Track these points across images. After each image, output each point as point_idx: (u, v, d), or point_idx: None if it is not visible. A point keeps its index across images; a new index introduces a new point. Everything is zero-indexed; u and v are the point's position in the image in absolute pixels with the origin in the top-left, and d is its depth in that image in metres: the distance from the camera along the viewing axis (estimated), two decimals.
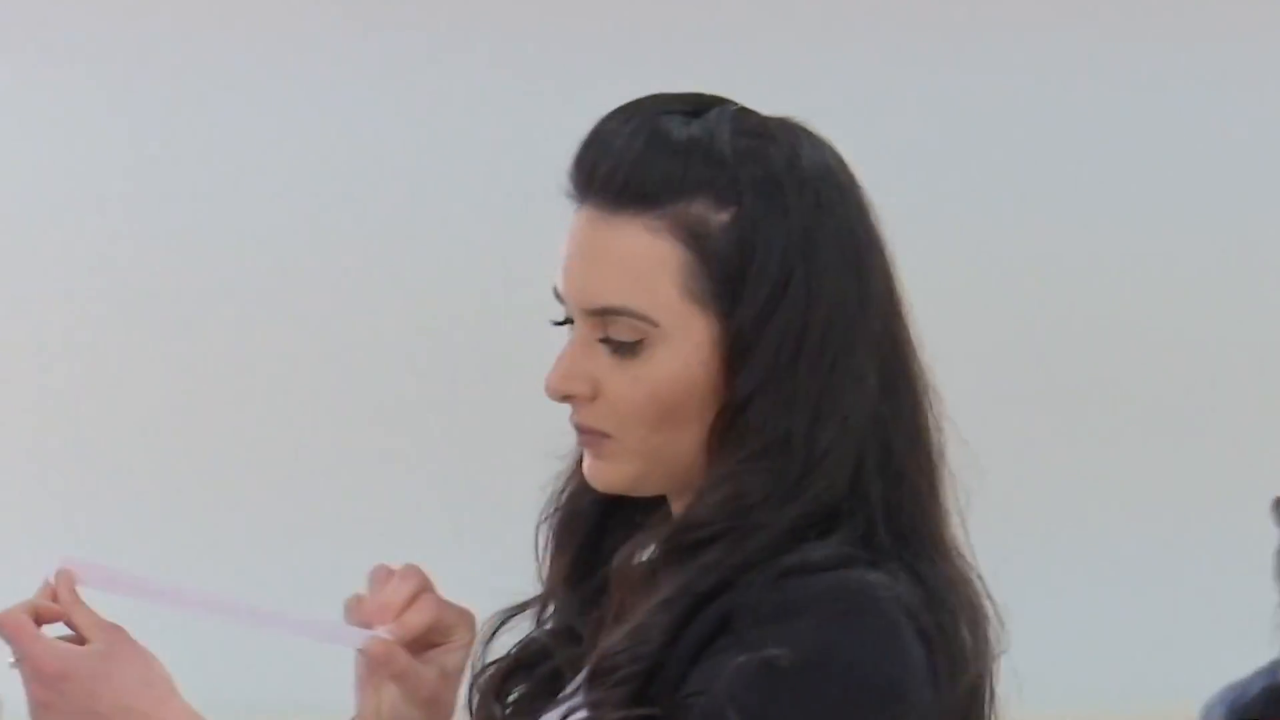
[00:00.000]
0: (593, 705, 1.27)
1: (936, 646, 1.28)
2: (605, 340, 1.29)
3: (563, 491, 1.41)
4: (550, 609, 1.41)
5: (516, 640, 1.42)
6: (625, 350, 1.29)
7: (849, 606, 1.26)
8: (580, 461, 1.37)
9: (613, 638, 1.29)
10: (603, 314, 1.29)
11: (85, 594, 1.38)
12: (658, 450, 1.30)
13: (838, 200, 1.30)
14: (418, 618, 1.35)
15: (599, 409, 1.30)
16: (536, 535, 1.42)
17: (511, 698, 1.40)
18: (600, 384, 1.30)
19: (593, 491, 1.37)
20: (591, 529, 1.40)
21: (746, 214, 1.27)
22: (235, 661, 3.36)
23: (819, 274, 1.28)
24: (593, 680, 1.28)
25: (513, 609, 1.42)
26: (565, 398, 1.31)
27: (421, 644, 1.35)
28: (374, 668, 1.35)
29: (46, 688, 1.30)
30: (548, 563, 1.41)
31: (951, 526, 1.35)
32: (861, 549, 1.28)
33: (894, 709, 1.25)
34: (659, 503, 1.37)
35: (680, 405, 1.29)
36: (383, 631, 1.34)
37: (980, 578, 1.36)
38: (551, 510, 1.41)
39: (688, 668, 1.25)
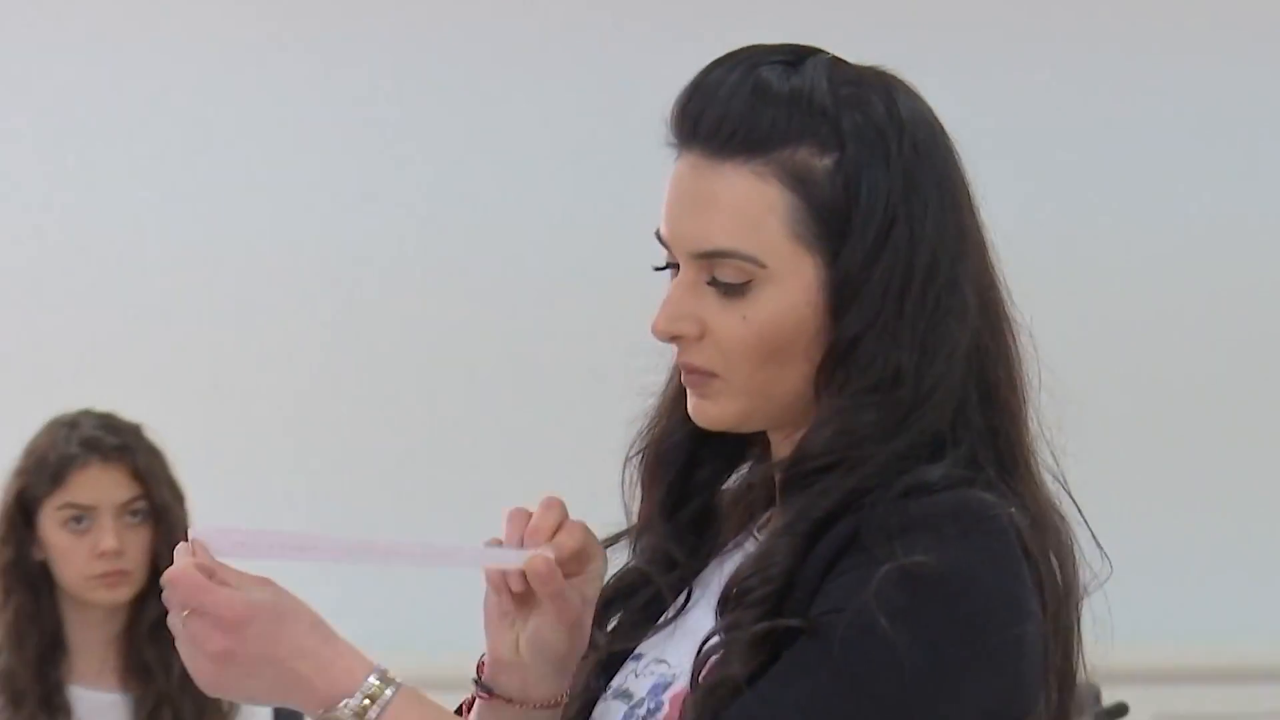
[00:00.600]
0: (728, 628, 1.31)
1: (1043, 575, 1.33)
2: (713, 282, 1.33)
3: (654, 427, 1.45)
4: (644, 539, 1.45)
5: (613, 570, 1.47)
6: (733, 291, 1.32)
7: (972, 524, 1.29)
8: (669, 399, 1.42)
9: (739, 565, 1.34)
10: (711, 257, 1.32)
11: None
12: (764, 388, 1.34)
13: (933, 145, 1.34)
14: (570, 539, 1.39)
15: (706, 349, 1.34)
16: (624, 471, 1.46)
17: (611, 625, 1.45)
18: (707, 324, 1.33)
19: (685, 426, 1.41)
20: (685, 462, 1.43)
21: (850, 159, 1.31)
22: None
23: (921, 215, 1.32)
24: (725, 604, 1.32)
25: (606, 540, 1.46)
26: (673, 338, 1.35)
27: (565, 571, 1.40)
28: (535, 586, 1.38)
29: (229, 635, 1.31)
30: (639, 496, 1.45)
31: (1044, 456, 1.39)
32: (969, 469, 1.32)
33: (1023, 624, 1.29)
34: (753, 434, 1.41)
35: (787, 344, 1.32)
36: (543, 550, 1.38)
37: (1079, 511, 1.40)
38: (642, 446, 1.45)
39: (816, 586, 1.29)
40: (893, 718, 1.27)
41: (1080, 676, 1.45)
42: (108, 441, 2.97)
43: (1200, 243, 4.67)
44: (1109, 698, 3.35)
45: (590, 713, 1.43)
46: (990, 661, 1.29)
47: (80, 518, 2.91)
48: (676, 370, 1.39)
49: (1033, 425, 1.39)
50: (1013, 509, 1.31)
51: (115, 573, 2.83)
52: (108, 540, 2.88)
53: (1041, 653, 1.32)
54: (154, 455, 3.00)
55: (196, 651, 1.31)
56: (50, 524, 2.93)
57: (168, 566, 1.40)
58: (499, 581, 1.40)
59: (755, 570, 1.32)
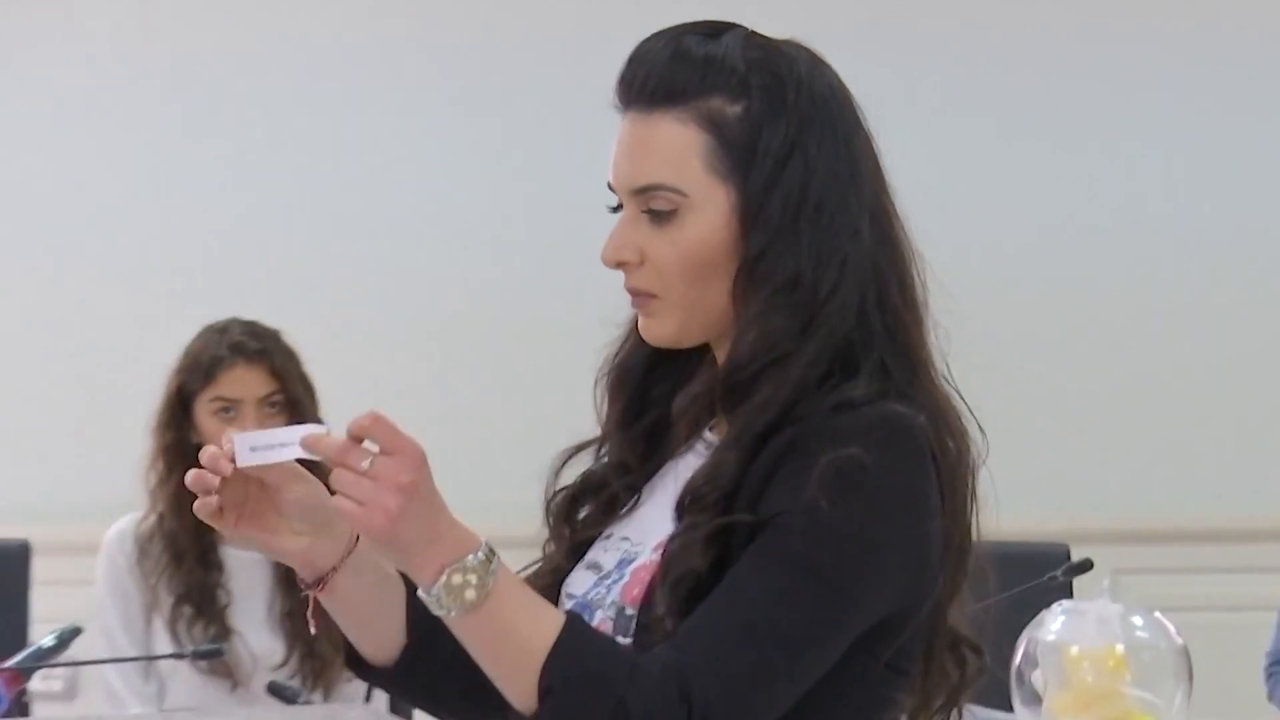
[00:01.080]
0: (687, 528, 1.41)
1: (941, 465, 1.45)
2: (648, 212, 1.45)
3: (617, 354, 1.56)
4: (605, 448, 1.56)
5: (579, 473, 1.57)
6: (663, 219, 1.44)
7: (891, 433, 1.41)
8: (630, 330, 1.53)
9: (694, 474, 1.45)
10: (645, 191, 1.45)
11: None
12: (695, 303, 1.46)
13: (829, 96, 1.48)
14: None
15: (646, 272, 1.46)
16: (595, 390, 1.57)
17: (580, 516, 1.56)
18: (645, 251, 1.45)
19: (642, 350, 1.52)
20: (640, 380, 1.54)
21: (755, 106, 1.44)
22: None
23: (815, 151, 1.45)
24: (682, 508, 1.43)
25: (575, 447, 1.57)
26: (619, 265, 1.47)
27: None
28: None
29: (417, 470, 1.34)
30: (604, 410, 1.56)
31: (936, 360, 1.51)
32: (883, 382, 1.44)
33: (928, 518, 1.43)
34: (700, 356, 1.51)
35: (709, 262, 1.44)
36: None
37: (963, 401, 1.52)
38: (607, 369, 1.56)
39: (761, 489, 1.40)
40: (832, 590, 1.38)
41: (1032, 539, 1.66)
42: (251, 345, 3.17)
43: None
44: (1076, 555, 3.42)
45: (559, 587, 1.54)
46: (900, 553, 1.42)
47: (228, 408, 3.13)
48: None
49: (926, 331, 1.50)
50: (922, 417, 1.43)
51: None
52: (250, 427, 3.05)
53: (940, 544, 1.45)
54: (290, 356, 3.21)
55: (383, 487, 1.32)
56: (204, 413, 3.15)
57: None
58: (210, 508, 1.44)
59: (707, 479, 1.43)
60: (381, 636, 1.53)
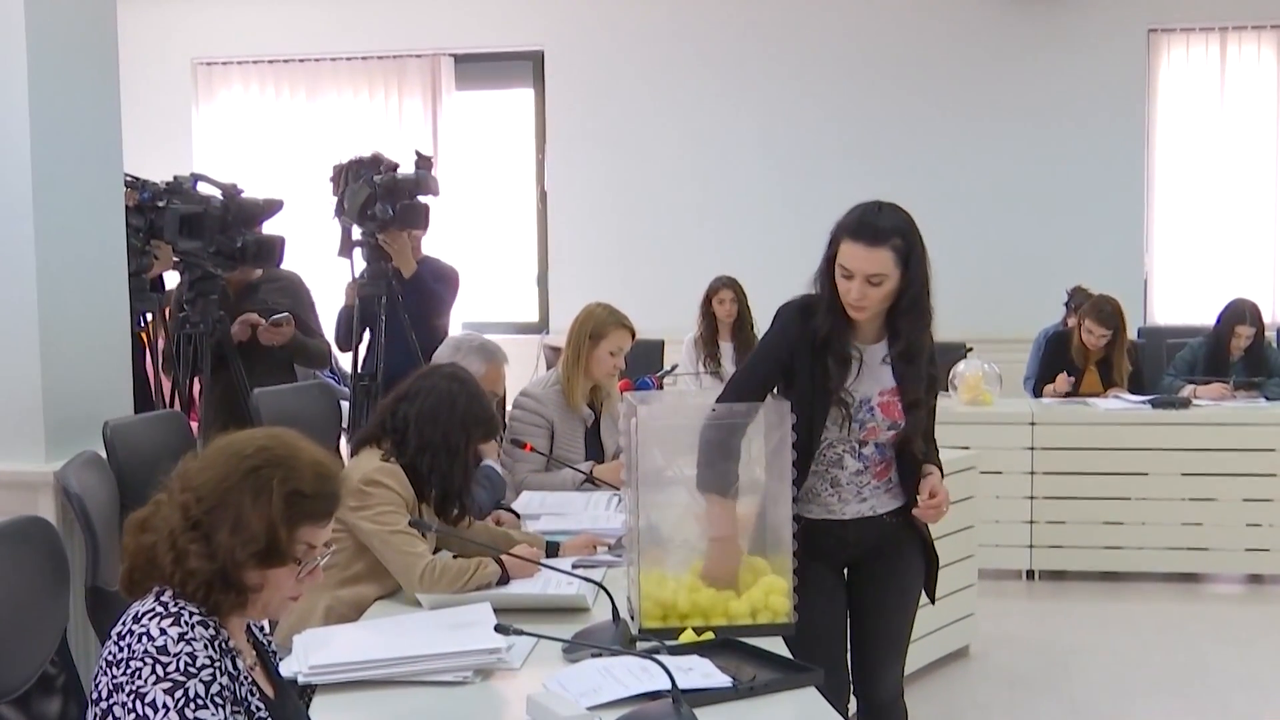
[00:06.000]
0: (912, 379, 3.77)
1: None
2: (870, 283, 3.60)
3: (828, 314, 3.69)
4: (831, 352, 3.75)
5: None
6: (875, 284, 3.59)
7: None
8: (841, 311, 3.67)
9: (910, 370, 3.73)
10: (869, 275, 3.58)
11: None
12: (877, 311, 3.68)
13: (920, 240, 3.63)
14: None
15: (864, 305, 3.63)
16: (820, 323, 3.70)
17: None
18: (868, 296, 3.62)
19: (844, 318, 3.66)
20: (843, 327, 3.68)
21: (905, 243, 3.59)
22: None
23: (922, 263, 3.61)
24: (901, 369, 3.76)
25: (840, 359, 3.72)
26: (860, 299, 3.59)
27: None
28: None
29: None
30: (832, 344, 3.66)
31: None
32: (931, 334, 3.73)
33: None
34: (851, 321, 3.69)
35: (888, 299, 3.64)
36: None
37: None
38: (825, 330, 3.66)
39: (923, 372, 3.77)
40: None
41: None
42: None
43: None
44: (969, 344, 8.18)
45: (826, 414, 3.69)
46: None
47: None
48: (832, 291, 3.68)
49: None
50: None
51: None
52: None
53: None
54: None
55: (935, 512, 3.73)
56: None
57: None
58: None
59: (915, 374, 3.73)
60: None
